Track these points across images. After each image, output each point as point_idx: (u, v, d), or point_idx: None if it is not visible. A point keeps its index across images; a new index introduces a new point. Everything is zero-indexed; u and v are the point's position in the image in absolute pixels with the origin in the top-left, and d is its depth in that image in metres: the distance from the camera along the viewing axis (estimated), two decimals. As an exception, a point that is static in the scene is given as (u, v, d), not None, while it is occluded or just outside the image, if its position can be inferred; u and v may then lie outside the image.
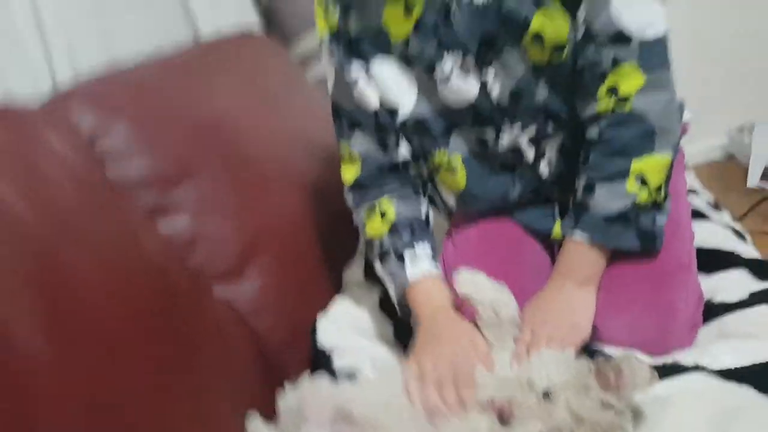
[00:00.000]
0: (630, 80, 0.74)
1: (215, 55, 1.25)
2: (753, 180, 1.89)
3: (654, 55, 0.74)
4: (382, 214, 0.89)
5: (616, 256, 0.80)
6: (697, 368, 0.70)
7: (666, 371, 0.70)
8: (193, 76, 1.14)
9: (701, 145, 2.03)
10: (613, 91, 0.74)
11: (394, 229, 0.88)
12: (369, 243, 0.91)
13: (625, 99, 0.74)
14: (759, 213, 1.75)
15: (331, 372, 0.87)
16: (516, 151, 0.85)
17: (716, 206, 1.09)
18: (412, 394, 0.72)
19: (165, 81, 1.08)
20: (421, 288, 0.85)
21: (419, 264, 0.85)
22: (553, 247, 0.90)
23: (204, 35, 1.39)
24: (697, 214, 1.00)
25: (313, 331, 0.95)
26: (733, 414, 0.62)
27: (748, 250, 0.94)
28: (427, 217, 0.93)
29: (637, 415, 0.65)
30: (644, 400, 0.65)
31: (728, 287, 0.85)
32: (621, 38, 0.73)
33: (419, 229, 0.88)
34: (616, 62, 0.74)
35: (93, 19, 1.20)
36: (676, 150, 0.80)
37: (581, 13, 0.74)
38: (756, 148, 1.90)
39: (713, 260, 0.90)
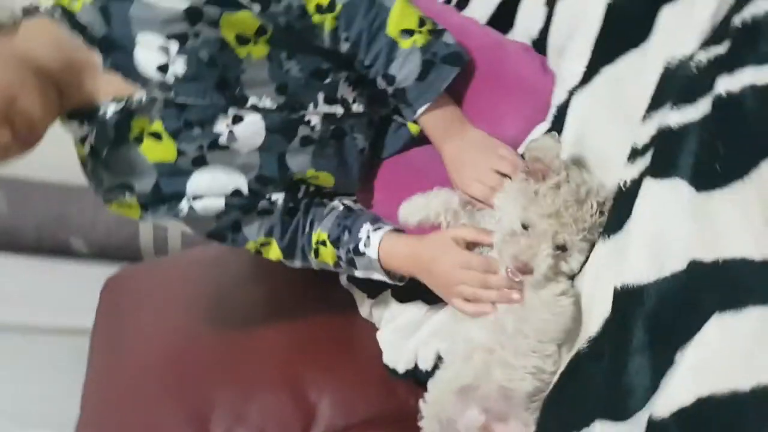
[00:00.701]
0: None
1: None
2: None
3: None
4: (322, 243, 0.93)
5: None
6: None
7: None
8: None
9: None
10: (318, 8, 0.80)
11: (336, 242, 0.91)
12: (339, 267, 0.95)
13: (332, 6, 0.80)
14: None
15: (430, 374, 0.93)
16: (329, 121, 0.90)
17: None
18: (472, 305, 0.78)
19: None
20: (387, 250, 0.87)
21: (371, 241, 0.89)
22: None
23: None
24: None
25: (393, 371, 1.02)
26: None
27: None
28: (344, 204, 0.96)
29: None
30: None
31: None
32: None
33: (350, 221, 0.92)
34: None
35: None
36: None
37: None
38: None
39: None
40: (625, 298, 0.61)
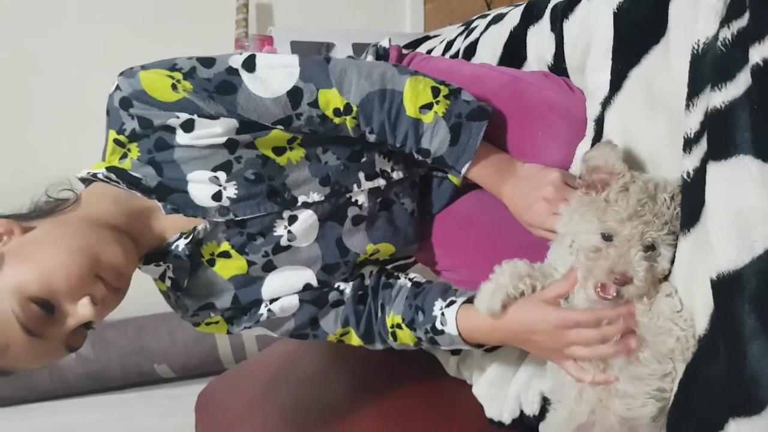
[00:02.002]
0: (332, 100, 0.82)
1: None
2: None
3: (312, 74, 0.82)
4: (397, 326, 0.93)
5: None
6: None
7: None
8: None
9: None
10: (336, 113, 0.83)
11: (411, 324, 0.92)
12: (420, 346, 0.95)
13: (349, 108, 0.83)
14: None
15: (538, 418, 0.91)
16: (375, 194, 0.93)
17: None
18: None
19: None
20: (466, 324, 0.86)
21: (447, 319, 0.87)
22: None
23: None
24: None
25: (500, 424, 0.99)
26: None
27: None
28: (412, 281, 0.97)
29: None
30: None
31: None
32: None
33: (420, 300, 0.92)
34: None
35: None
36: (406, 70, 0.86)
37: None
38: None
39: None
40: (725, 288, 0.58)
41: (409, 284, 0.96)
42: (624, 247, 0.67)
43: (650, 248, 0.68)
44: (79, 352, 1.83)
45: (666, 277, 0.70)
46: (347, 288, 0.95)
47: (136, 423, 1.70)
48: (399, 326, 0.93)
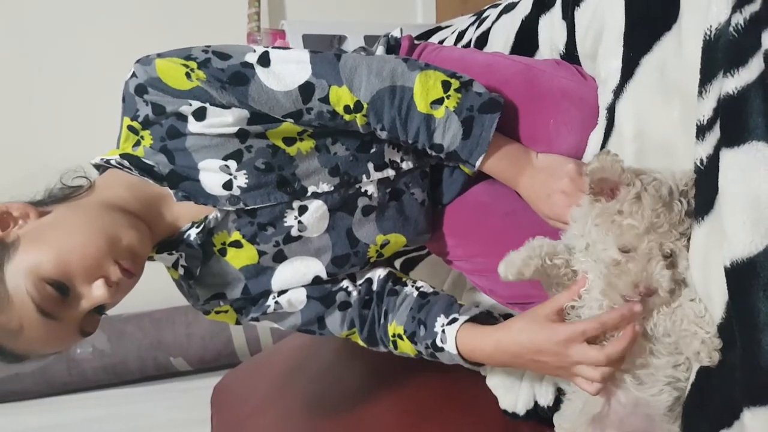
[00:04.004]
0: (342, 97, 0.82)
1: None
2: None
3: (323, 71, 0.82)
4: (398, 336, 0.94)
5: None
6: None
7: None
8: None
9: None
10: (347, 110, 0.83)
11: (412, 337, 0.91)
12: (421, 357, 0.94)
13: (359, 105, 0.83)
14: None
15: (552, 409, 0.91)
16: (385, 185, 0.93)
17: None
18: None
19: None
20: (466, 344, 0.86)
21: (447, 337, 0.87)
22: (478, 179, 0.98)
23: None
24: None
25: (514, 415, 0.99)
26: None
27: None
28: (419, 290, 0.96)
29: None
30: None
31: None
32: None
33: (423, 314, 0.91)
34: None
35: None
36: (416, 65, 0.85)
37: None
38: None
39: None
40: (739, 275, 0.58)
41: (415, 294, 0.95)
42: (644, 261, 0.66)
43: (668, 257, 0.68)
44: (96, 346, 1.89)
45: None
46: (355, 291, 0.96)
47: (152, 416, 1.72)
48: (400, 337, 0.93)
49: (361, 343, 0.98)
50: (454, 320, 0.87)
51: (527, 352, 0.78)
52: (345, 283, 0.97)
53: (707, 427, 0.65)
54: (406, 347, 0.93)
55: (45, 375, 1.87)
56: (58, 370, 1.88)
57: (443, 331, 0.87)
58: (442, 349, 0.88)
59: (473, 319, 0.88)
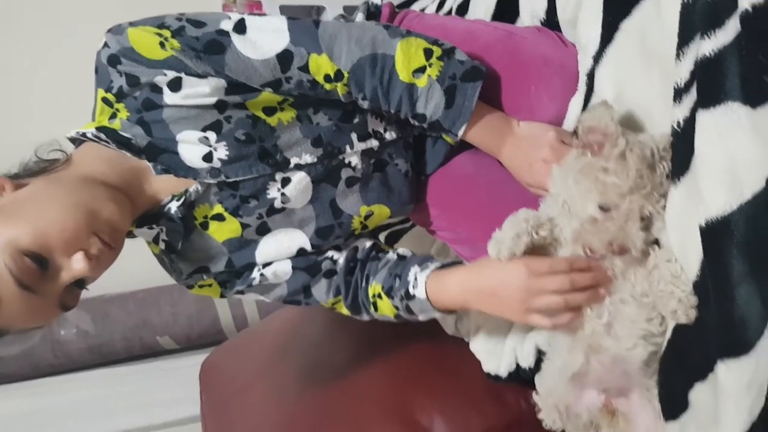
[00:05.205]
0: (322, 65, 0.81)
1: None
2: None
3: (302, 38, 0.81)
4: (378, 296, 0.94)
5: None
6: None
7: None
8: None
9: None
10: (327, 78, 0.82)
11: (389, 292, 0.92)
12: (400, 318, 0.95)
13: (340, 74, 0.82)
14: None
15: (534, 370, 0.93)
16: (368, 156, 0.93)
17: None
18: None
19: None
20: (434, 287, 0.87)
21: (418, 282, 0.88)
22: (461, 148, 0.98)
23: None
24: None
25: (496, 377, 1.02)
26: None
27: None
28: (398, 254, 0.97)
29: None
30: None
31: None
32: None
33: (400, 268, 0.92)
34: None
35: None
36: (398, 32, 0.84)
37: None
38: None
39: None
40: (713, 234, 0.60)
41: (396, 257, 0.96)
42: (622, 221, 0.68)
43: (646, 219, 0.69)
44: (80, 327, 1.88)
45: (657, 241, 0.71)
46: (340, 258, 0.96)
47: (141, 395, 1.73)
48: (379, 296, 0.94)
49: (345, 311, 0.99)
50: (426, 267, 0.89)
51: (490, 287, 0.79)
52: (330, 253, 0.97)
53: (682, 381, 0.68)
54: (385, 306, 0.94)
55: (30, 358, 1.86)
56: (42, 352, 1.87)
57: (415, 278, 0.88)
58: (413, 297, 0.88)
59: (445, 267, 0.88)
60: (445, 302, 0.87)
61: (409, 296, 0.89)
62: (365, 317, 0.99)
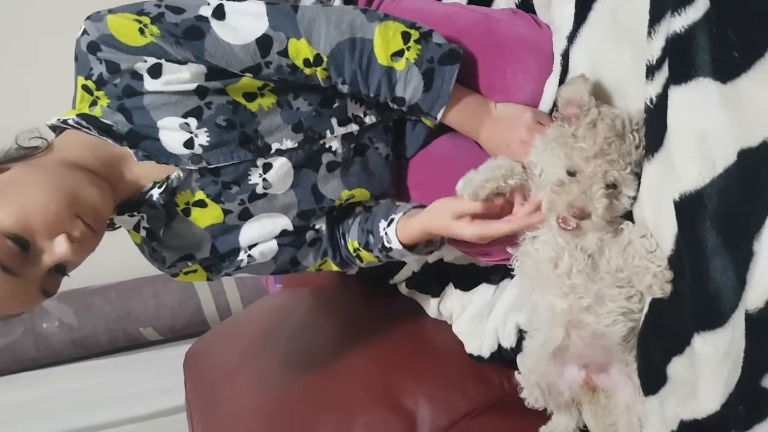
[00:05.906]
0: (301, 50, 0.81)
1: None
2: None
3: (281, 23, 0.81)
4: (357, 250, 0.99)
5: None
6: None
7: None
8: None
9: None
10: (306, 63, 0.82)
11: (367, 247, 0.98)
12: (385, 260, 1.00)
13: (319, 58, 0.82)
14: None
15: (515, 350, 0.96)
16: (349, 140, 0.93)
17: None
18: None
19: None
20: (403, 236, 0.92)
21: (390, 236, 0.93)
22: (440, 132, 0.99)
23: None
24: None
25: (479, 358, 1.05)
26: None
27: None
28: (364, 207, 1.01)
29: None
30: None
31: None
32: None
33: (369, 224, 0.97)
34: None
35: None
36: (376, 16, 0.84)
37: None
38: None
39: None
40: (687, 207, 0.61)
41: (362, 209, 1.00)
42: (586, 184, 0.69)
43: (613, 186, 0.70)
44: (64, 321, 1.86)
45: (630, 214, 0.73)
46: (322, 225, 0.98)
47: (125, 387, 1.72)
48: (359, 250, 0.99)
49: (334, 268, 1.02)
50: (392, 221, 0.93)
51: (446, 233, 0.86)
52: (312, 222, 0.98)
53: (661, 354, 0.69)
54: (366, 257, 0.99)
55: (12, 352, 1.84)
56: (25, 345, 1.85)
57: (386, 233, 0.93)
58: (391, 248, 0.94)
59: (407, 214, 0.93)
60: (416, 241, 0.93)
61: (387, 249, 0.95)
62: (354, 269, 1.05)
